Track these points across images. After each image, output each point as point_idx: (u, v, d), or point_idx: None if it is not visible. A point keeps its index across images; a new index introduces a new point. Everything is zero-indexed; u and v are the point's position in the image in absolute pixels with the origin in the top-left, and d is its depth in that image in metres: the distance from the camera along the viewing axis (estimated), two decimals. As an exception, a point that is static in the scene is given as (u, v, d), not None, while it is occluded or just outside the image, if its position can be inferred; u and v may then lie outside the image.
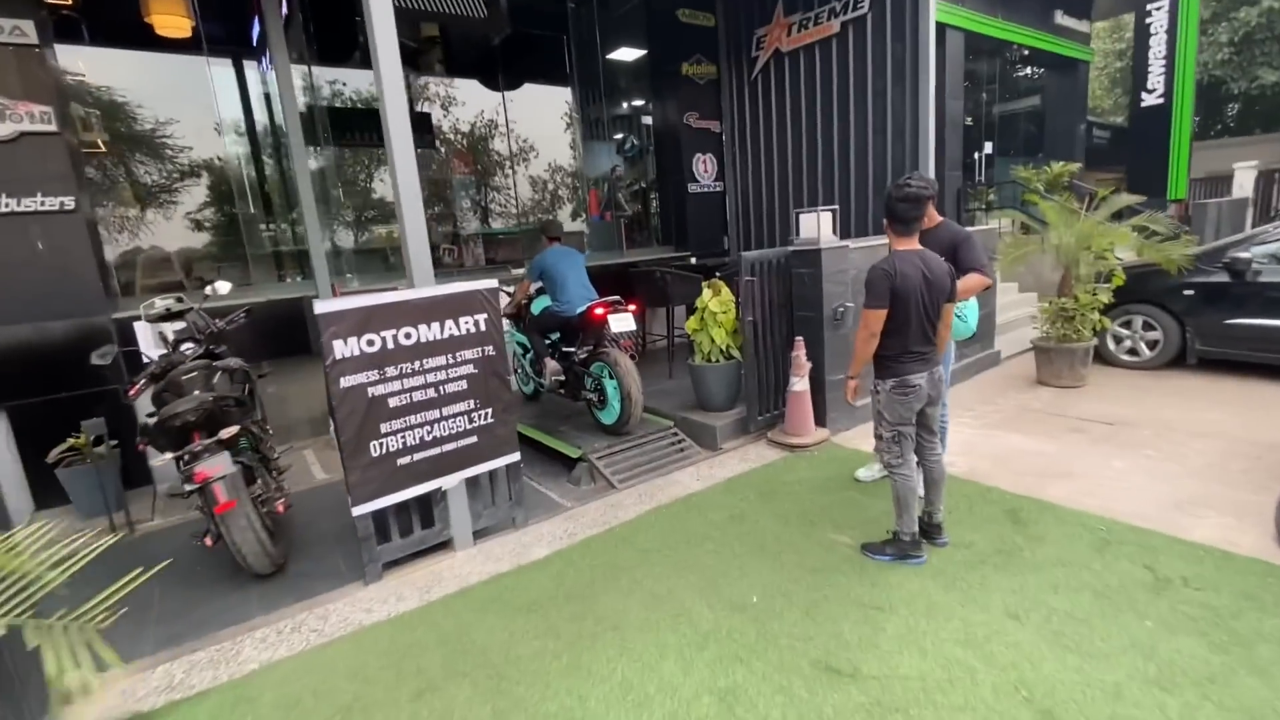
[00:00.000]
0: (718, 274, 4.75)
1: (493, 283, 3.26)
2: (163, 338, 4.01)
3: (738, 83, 7.31)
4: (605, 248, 8.21)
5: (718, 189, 7.63)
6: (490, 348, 3.26)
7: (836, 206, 4.43)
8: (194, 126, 6.78)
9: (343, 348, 2.83)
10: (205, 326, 3.77)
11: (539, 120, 9.34)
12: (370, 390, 2.92)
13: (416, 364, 3.03)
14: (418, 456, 3.08)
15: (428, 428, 3.10)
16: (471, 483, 3.33)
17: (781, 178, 7.03)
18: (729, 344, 4.64)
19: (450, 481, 3.21)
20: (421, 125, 8.46)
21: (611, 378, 4.42)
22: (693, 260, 6.68)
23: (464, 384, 3.19)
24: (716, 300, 4.59)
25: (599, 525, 3.52)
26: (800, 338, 4.34)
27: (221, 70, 6.87)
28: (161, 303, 4.07)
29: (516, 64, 8.50)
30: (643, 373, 4.58)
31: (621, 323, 4.43)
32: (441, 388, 3.12)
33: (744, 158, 7.43)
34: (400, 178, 2.94)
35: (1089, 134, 15.91)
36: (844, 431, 4.68)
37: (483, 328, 3.22)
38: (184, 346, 3.88)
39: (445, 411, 3.15)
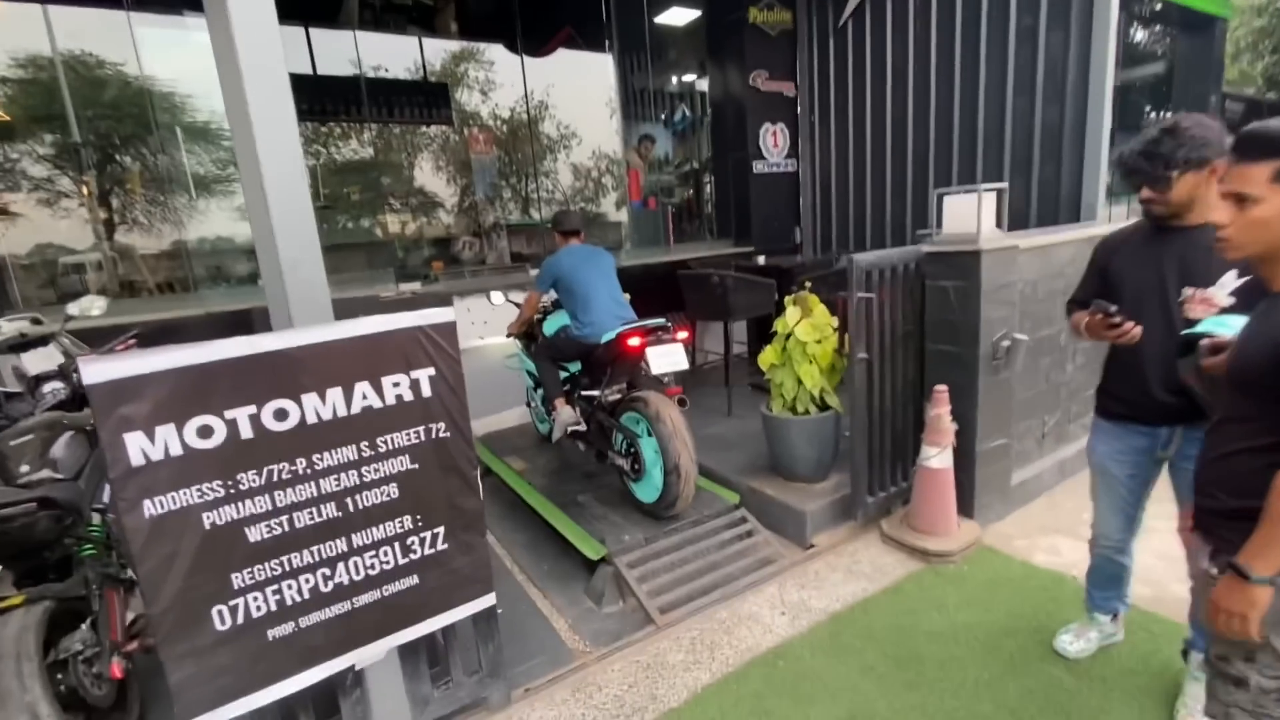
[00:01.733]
0: (806, 283, 3.27)
1: (448, 313, 1.88)
2: (20, 375, 2.84)
3: (819, 32, 5.73)
4: (648, 242, 6.77)
5: (789, 168, 6.09)
6: (441, 426, 1.89)
7: (1005, 184, 2.88)
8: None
9: (146, 446, 1.49)
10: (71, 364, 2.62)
11: (574, 90, 7.96)
12: (208, 517, 1.58)
13: (299, 465, 1.68)
14: (307, 621, 1.74)
15: (325, 571, 1.76)
16: (409, 650, 1.99)
17: (877, 153, 5.44)
18: (824, 387, 3.16)
19: (369, 655, 1.86)
20: (437, 97, 7.20)
21: (649, 434, 3.01)
22: (760, 260, 5.22)
23: (393, 491, 1.83)
24: (808, 324, 3.11)
25: (626, 714, 2.13)
26: (942, 387, 2.83)
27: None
28: (10, 326, 2.88)
29: (546, 24, 7.12)
30: (693, 405, 3.16)
31: (667, 359, 3.01)
32: (351, 501, 1.77)
33: (825, 128, 5.86)
34: (254, 117, 1.59)
35: (1222, 106, 13.63)
36: (996, 523, 3.14)
37: (426, 392, 1.85)
38: (47, 387, 2.71)
39: (358, 540, 1.80)
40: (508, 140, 8.16)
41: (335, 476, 1.74)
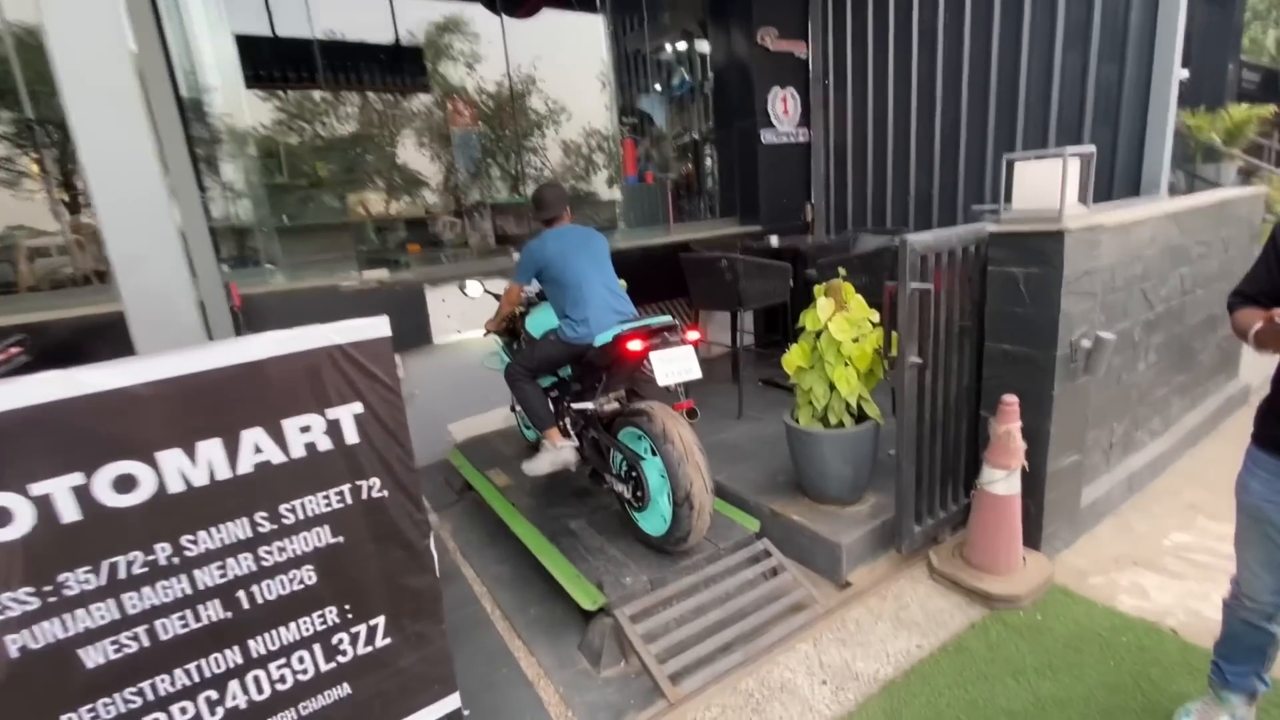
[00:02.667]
0: (840, 269, 2.74)
1: (378, 325, 1.34)
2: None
3: (835, -17, 5.13)
4: (645, 221, 6.20)
5: (801, 138, 5.51)
6: (374, 484, 1.36)
7: (1091, 148, 2.35)
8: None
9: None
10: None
11: (563, 57, 7.31)
12: (14, 641, 1.06)
13: (161, 553, 1.16)
14: (186, 764, 1.24)
15: (210, 694, 1.24)
16: (345, 780, 1.48)
17: (900, 121, 4.88)
18: (862, 394, 2.65)
19: (285, 797, 1.36)
20: (411, 63, 6.54)
21: (653, 453, 2.50)
22: (773, 241, 4.68)
23: (307, 576, 1.32)
24: (843, 320, 2.58)
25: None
26: (1012, 398, 2.33)
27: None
28: None
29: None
30: (699, 405, 2.66)
31: (675, 367, 2.49)
32: (245, 595, 1.26)
33: (841, 93, 5.28)
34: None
35: (1239, 75, 13.08)
36: (1064, 553, 2.67)
37: (351, 436, 1.32)
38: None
39: (259, 647, 1.28)
40: (492, 113, 7.53)
41: (219, 564, 1.22)
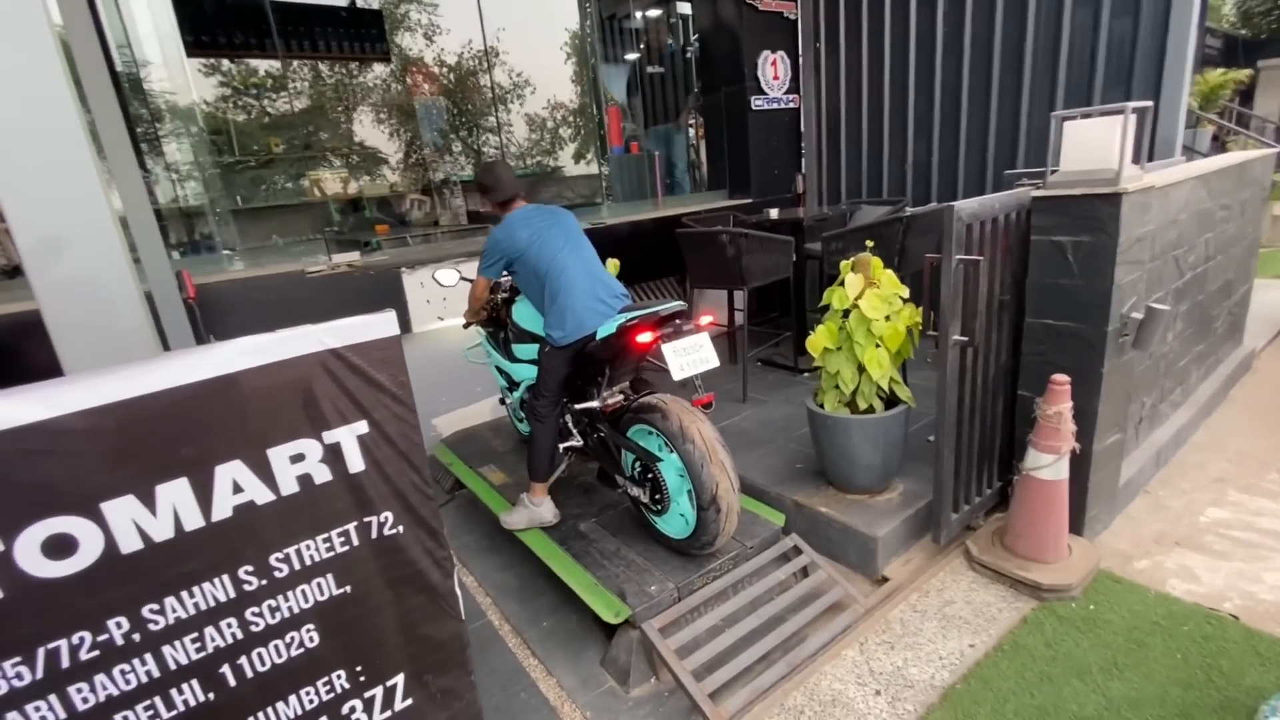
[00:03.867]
0: (868, 241, 2.54)
1: (385, 321, 1.07)
2: None
3: (826, -62, 4.85)
4: (632, 195, 5.89)
5: (791, 104, 5.26)
6: (386, 518, 1.10)
7: (1150, 103, 2.16)
8: None
9: None
10: None
11: (532, 23, 6.88)
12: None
13: (116, 629, 0.89)
14: None
15: (191, 795, 0.99)
16: None
17: (897, 84, 4.67)
18: (894, 376, 2.46)
19: None
20: (368, 27, 6.06)
21: (669, 449, 2.27)
22: (772, 214, 4.45)
23: (309, 638, 1.06)
24: (874, 297, 2.38)
25: None
26: (1063, 377, 2.16)
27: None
28: None
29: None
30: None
31: (691, 358, 2.24)
32: (231, 669, 0.99)
33: (833, 55, 5.03)
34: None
35: (1201, 42, 13.23)
36: (1104, 535, 2.55)
37: (355, 463, 1.06)
38: None
39: (251, 730, 1.03)
40: (458, 85, 7.08)
41: (194, 636, 0.95)
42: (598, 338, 2.36)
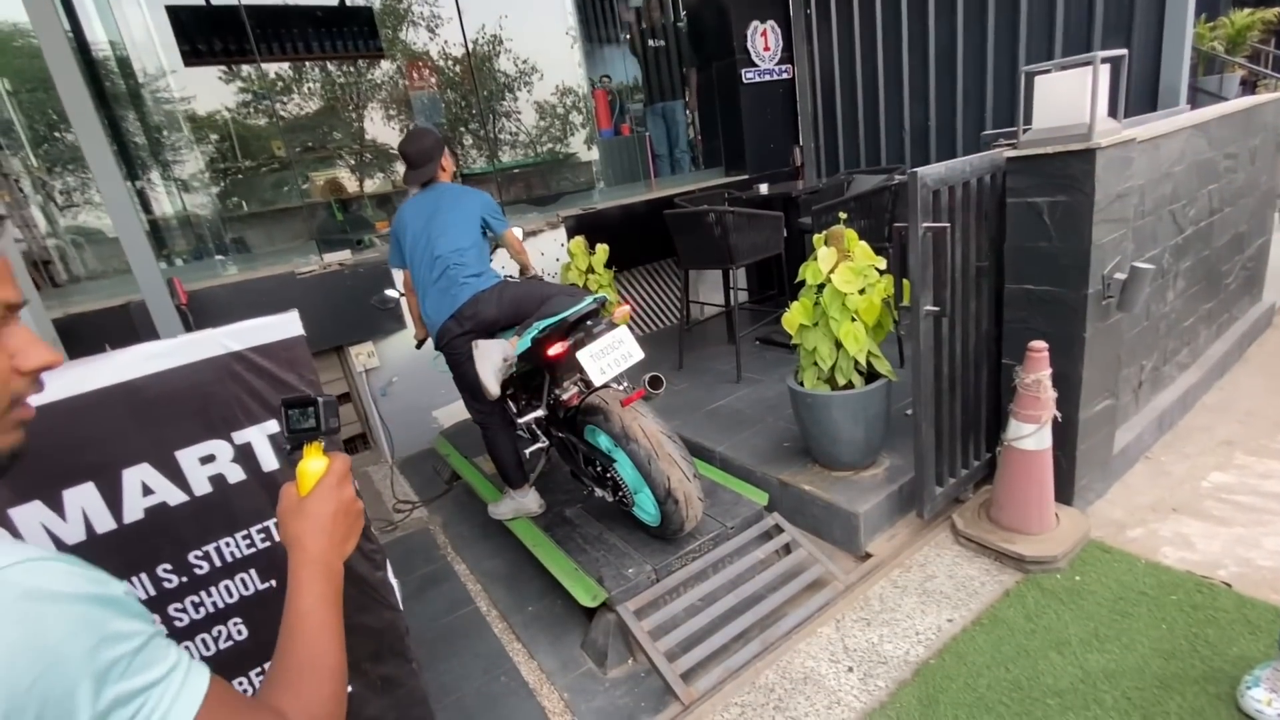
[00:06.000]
0: (841, 214, 2.48)
1: (288, 323, 1.08)
2: None
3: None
4: (624, 178, 5.84)
5: (784, 75, 5.14)
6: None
7: (1124, 51, 2.05)
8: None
9: None
10: None
11: (526, 9, 6.80)
12: None
13: None
14: None
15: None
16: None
17: (890, 48, 4.52)
18: (871, 350, 2.42)
19: None
20: (359, 24, 6.06)
21: (613, 445, 2.27)
22: (762, 189, 4.38)
23: (237, 630, 1.10)
24: (847, 270, 2.33)
25: None
26: (1041, 344, 2.09)
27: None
28: None
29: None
30: (695, 371, 2.42)
31: (608, 359, 2.16)
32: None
33: (825, 21, 4.89)
34: None
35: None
36: (1097, 504, 2.48)
37: (269, 463, 1.08)
38: None
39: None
40: (457, 78, 7.04)
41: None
42: (515, 352, 2.29)
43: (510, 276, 2.67)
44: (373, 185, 6.88)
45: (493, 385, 2.21)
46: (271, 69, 5.75)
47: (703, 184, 5.07)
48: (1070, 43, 3.67)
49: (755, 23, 4.91)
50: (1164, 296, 2.73)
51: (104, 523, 0.95)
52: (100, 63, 4.75)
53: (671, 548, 2.35)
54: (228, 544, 1.05)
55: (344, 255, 3.74)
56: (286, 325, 1.04)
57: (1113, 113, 2.08)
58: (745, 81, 4.91)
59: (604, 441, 2.35)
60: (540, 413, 2.47)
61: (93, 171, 2.76)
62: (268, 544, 1.08)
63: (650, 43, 6.20)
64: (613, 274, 4.03)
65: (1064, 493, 2.34)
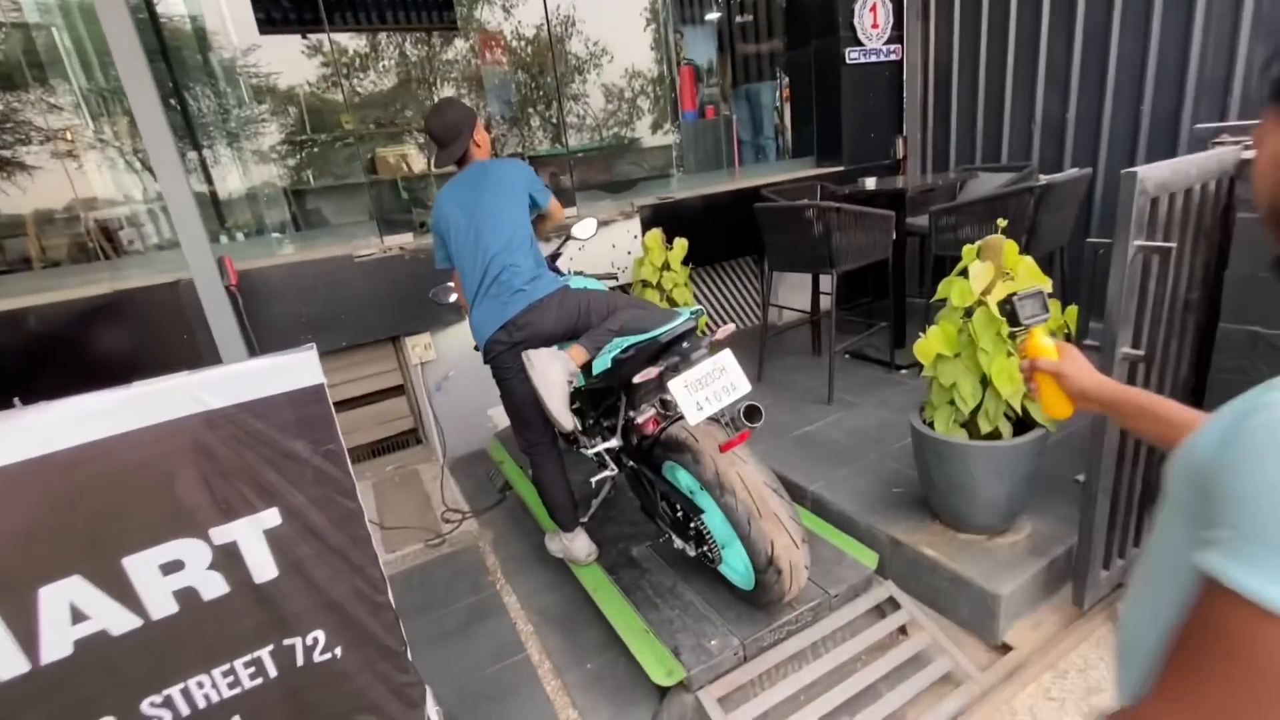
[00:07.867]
0: (999, 220, 2.00)
1: (304, 365, 0.73)
2: None
3: None
4: (707, 165, 5.40)
5: (892, 56, 4.58)
6: (315, 639, 0.77)
7: None
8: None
9: None
10: None
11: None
12: None
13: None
14: None
15: None
16: None
17: (1025, 25, 3.91)
18: (1025, 396, 1.94)
19: None
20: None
21: (699, 487, 1.86)
22: (868, 184, 3.87)
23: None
24: (1007, 290, 1.85)
25: None
26: None
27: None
28: None
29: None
30: (775, 387, 2.01)
31: (707, 392, 1.71)
32: None
33: (946, -4, 4.31)
34: None
35: None
36: None
37: (261, 571, 0.73)
38: None
39: None
40: (530, 58, 6.75)
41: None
42: (594, 373, 1.93)
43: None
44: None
45: (565, 417, 1.84)
46: (347, 42, 5.56)
47: (793, 175, 4.58)
48: (1265, 15, 3.01)
49: (864, -4, 4.37)
50: None
51: (12, 666, 0.63)
52: (172, 30, 4.63)
53: (762, 615, 1.95)
54: (200, 685, 0.72)
55: (405, 239, 3.47)
56: (300, 370, 0.70)
57: None
58: (849, 62, 4.38)
59: (684, 480, 1.97)
60: (614, 443, 2.10)
61: (144, 140, 2.55)
62: (258, 681, 0.75)
63: (738, 18, 5.72)
64: (689, 272, 3.63)
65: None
